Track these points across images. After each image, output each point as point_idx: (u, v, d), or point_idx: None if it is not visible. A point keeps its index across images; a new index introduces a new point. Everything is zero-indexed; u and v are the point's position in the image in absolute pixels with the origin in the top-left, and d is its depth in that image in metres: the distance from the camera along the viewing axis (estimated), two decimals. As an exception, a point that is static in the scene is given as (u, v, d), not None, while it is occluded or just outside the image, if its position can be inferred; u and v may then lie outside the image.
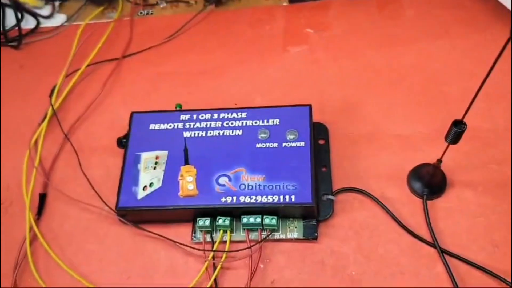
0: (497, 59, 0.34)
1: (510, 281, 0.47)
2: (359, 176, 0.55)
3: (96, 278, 0.52)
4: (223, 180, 0.51)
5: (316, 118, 0.59)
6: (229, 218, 0.51)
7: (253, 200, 0.49)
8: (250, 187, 0.50)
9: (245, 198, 0.50)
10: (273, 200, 0.49)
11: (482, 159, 0.54)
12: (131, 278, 0.52)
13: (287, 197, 0.49)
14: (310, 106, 0.55)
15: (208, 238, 0.52)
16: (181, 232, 0.53)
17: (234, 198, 0.50)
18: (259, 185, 0.50)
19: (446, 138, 0.43)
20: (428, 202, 0.52)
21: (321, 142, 0.57)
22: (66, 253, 0.54)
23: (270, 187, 0.50)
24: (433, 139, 0.56)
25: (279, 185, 0.50)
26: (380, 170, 0.55)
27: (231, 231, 0.52)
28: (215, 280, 0.50)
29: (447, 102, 0.59)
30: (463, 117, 0.41)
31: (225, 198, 0.50)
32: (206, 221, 0.51)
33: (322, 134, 0.58)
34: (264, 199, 0.49)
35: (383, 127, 0.58)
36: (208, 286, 0.50)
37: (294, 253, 0.52)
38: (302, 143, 0.52)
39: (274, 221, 0.50)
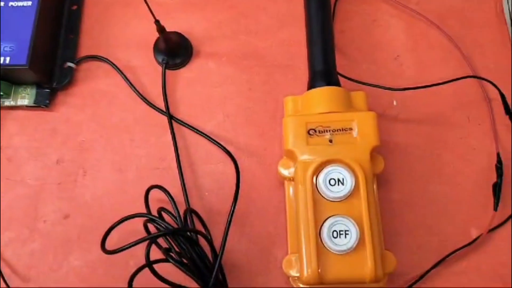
0: None
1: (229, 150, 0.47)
2: (108, 44, 0.52)
3: None
4: None
5: (73, -19, 0.54)
6: (-50, 82, 0.48)
7: (-35, 62, 0.46)
8: (-35, 49, 0.46)
9: (-44, 59, 0.46)
10: (-13, 62, 0.46)
11: (234, 29, 0.52)
12: None
13: (2, 58, 0.46)
14: (45, -37, 0.50)
15: None
16: None
17: None
18: (-25, 46, 0.46)
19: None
20: (171, 72, 0.51)
21: (74, 7, 0.53)
22: None
23: (-13, 49, 0.46)
24: (188, 6, 0.54)
25: (-4, 47, 0.46)
26: (131, 38, 0.53)
27: (-43, 97, 0.49)
28: None
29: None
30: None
31: None
32: None
33: (77, -1, 0.54)
34: (-22, 61, 0.46)
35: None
36: None
37: (27, 121, 0.50)
38: (29, 3, 0.48)
39: (-5, 86, 0.47)
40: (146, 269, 0.38)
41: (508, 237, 0.45)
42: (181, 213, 0.44)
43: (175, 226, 0.43)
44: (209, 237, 0.42)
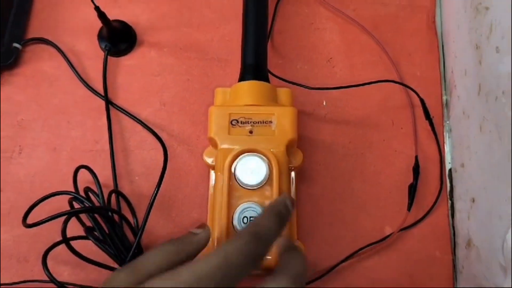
0: None
1: (162, 137, 0.49)
2: (56, 28, 0.54)
3: None
4: None
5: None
6: None
7: None
8: None
9: None
10: None
11: (177, 21, 0.54)
12: None
13: None
14: None
15: None
16: None
17: None
18: None
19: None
20: (114, 58, 0.53)
21: (26, -10, 0.55)
22: None
23: None
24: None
25: None
26: (78, 23, 0.54)
27: None
28: None
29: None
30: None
31: None
32: None
33: (31, -18, 0.55)
34: None
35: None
36: None
37: (-32, 97, 0.51)
38: (-24, -18, 0.49)
39: None
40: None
41: (420, 237, 0.47)
42: (107, 194, 0.45)
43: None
44: (126, 217, 0.44)
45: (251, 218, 0.40)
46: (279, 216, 0.32)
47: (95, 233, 0.43)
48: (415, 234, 0.47)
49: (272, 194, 0.41)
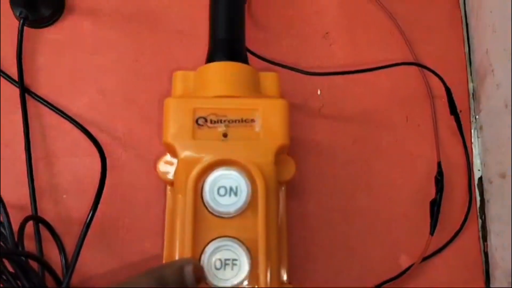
0: None
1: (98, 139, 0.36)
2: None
3: None
4: None
5: None
6: None
7: None
8: None
9: None
10: None
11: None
12: None
13: None
14: None
15: None
16: None
17: None
18: None
19: None
20: (33, 30, 0.40)
21: None
22: None
23: None
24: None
25: None
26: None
27: None
28: None
29: None
30: None
31: None
32: None
33: None
34: None
35: None
36: None
37: None
38: None
39: None
40: None
41: (446, 268, 0.38)
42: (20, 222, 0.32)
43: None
44: (46, 263, 0.31)
45: (227, 261, 0.28)
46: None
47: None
48: (440, 264, 0.38)
49: (256, 223, 0.29)
